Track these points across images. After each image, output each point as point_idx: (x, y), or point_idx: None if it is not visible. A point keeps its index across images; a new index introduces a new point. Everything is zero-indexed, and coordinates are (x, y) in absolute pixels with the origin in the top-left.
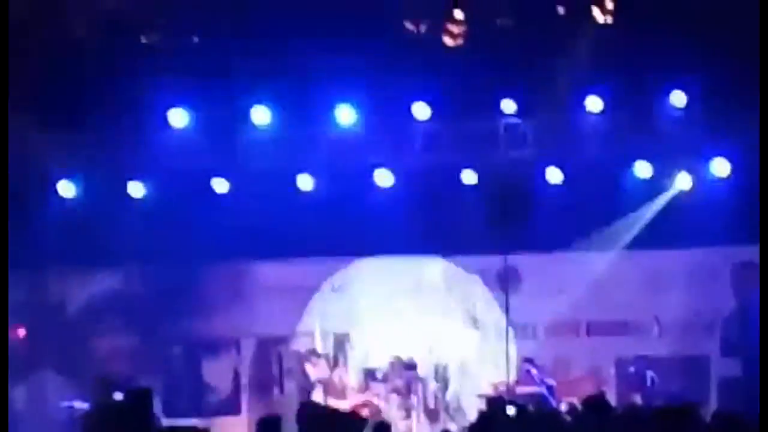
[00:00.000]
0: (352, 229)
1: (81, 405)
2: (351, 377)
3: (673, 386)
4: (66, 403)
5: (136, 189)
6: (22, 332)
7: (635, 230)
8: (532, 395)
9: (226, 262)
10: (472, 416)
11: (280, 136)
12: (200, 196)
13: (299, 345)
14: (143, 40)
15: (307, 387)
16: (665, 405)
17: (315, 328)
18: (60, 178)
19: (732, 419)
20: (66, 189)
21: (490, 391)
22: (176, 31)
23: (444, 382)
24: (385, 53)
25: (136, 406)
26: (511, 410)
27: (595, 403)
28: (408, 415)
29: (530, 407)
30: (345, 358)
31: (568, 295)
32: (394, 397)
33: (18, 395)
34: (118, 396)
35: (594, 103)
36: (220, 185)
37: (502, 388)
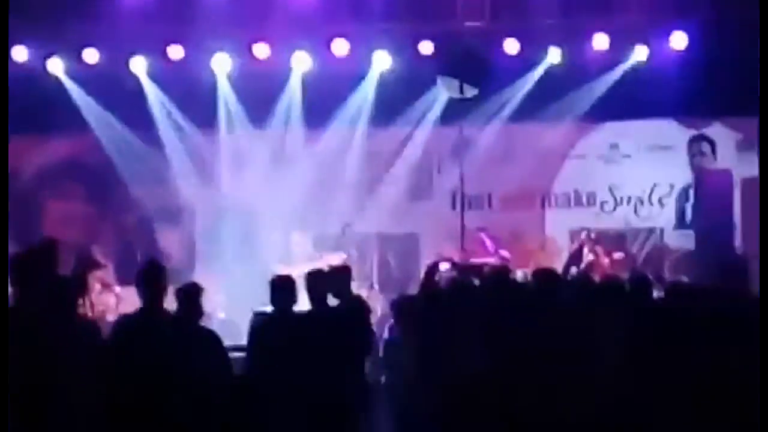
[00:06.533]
0: (307, 99)
1: None
2: (303, 246)
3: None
4: None
5: (90, 55)
6: None
7: (591, 101)
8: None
9: (181, 130)
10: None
11: (237, 5)
12: (155, 62)
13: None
14: None
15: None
16: (617, 277)
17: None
18: (14, 43)
19: (685, 290)
20: (19, 54)
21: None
22: None
23: (398, 252)
24: None
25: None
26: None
27: (547, 275)
28: (361, 285)
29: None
30: (297, 226)
31: (523, 166)
32: None
33: None
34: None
35: None
36: (176, 52)
37: (453, 258)
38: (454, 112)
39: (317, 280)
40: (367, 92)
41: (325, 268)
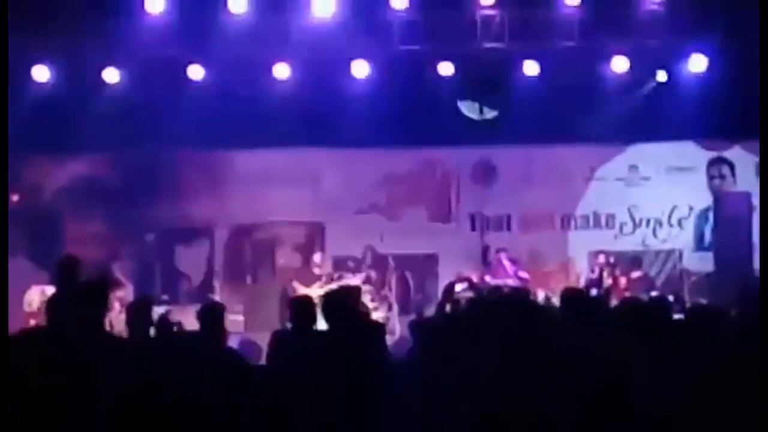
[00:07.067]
0: (328, 119)
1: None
2: (323, 267)
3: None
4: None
5: (111, 75)
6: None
7: (610, 123)
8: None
9: (201, 150)
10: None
11: (257, 24)
12: (175, 83)
13: (272, 233)
14: None
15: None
16: (637, 299)
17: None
18: (35, 63)
19: (704, 312)
20: (41, 74)
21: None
22: None
23: (418, 273)
24: None
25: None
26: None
27: (572, 295)
28: (379, 306)
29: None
30: (317, 247)
31: (543, 188)
32: (367, 288)
33: None
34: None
35: None
36: (196, 72)
37: (471, 278)
38: (473, 134)
39: (328, 301)
40: (387, 113)
41: (337, 288)
